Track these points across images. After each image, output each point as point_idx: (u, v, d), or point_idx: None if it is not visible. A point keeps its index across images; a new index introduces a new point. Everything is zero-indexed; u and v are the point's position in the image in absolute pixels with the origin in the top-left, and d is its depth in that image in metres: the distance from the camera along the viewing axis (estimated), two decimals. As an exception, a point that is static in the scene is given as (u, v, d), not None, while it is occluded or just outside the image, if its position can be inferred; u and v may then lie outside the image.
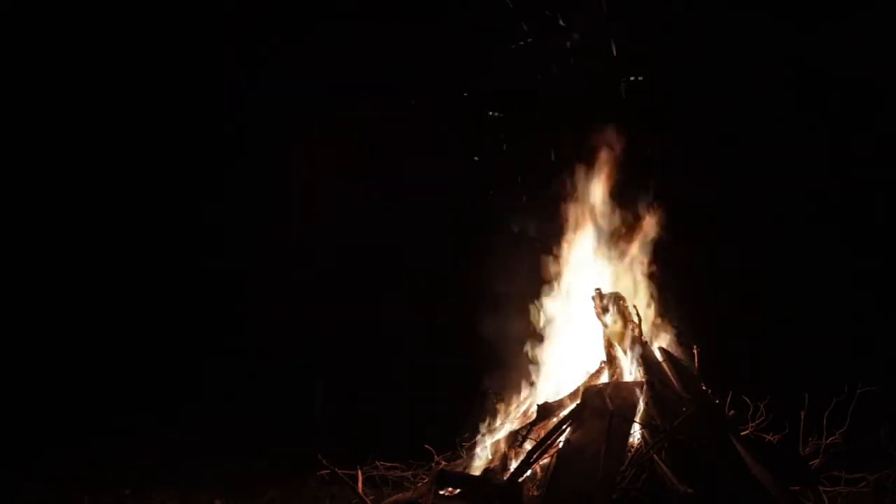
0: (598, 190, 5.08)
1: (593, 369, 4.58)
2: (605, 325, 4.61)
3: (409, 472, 4.71)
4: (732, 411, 4.63)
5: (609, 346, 4.57)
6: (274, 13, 8.38)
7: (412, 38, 7.83)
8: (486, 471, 4.33)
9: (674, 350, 4.65)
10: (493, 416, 4.87)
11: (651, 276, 4.97)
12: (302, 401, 8.31)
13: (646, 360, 4.37)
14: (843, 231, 7.65)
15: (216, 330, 8.44)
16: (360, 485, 4.11)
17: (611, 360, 4.53)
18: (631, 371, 4.44)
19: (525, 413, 4.74)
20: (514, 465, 4.12)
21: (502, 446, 4.46)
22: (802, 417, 4.43)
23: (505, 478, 4.02)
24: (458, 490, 3.92)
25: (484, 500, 3.79)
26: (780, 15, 7.44)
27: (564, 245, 5.13)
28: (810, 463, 4.33)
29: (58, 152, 8.54)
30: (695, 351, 4.69)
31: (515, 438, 4.38)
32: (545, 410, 4.39)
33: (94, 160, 8.57)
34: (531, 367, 4.99)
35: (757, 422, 4.57)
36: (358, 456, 4.59)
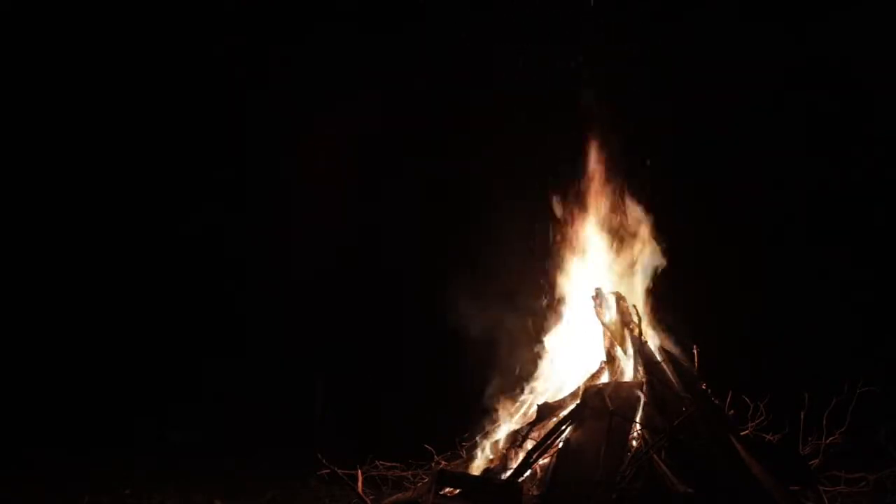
0: (598, 191, 5.08)
1: (593, 369, 4.58)
2: (605, 325, 4.61)
3: (409, 472, 4.71)
4: (732, 411, 4.63)
5: (609, 346, 4.57)
6: (275, 13, 8.37)
7: (412, 38, 7.83)
8: (486, 471, 4.34)
9: (674, 350, 4.65)
10: (494, 416, 4.87)
11: (651, 277, 4.97)
12: (302, 401, 8.30)
13: (646, 360, 4.37)
14: (843, 231, 7.65)
15: (215, 330, 8.43)
16: (360, 485, 4.11)
17: (611, 360, 4.53)
18: (631, 371, 4.44)
19: (525, 413, 4.74)
20: (514, 465, 4.12)
21: (502, 446, 4.46)
22: (802, 417, 4.43)
23: (505, 478, 4.02)
24: (458, 490, 3.92)
25: (484, 500, 3.79)
26: (779, 14, 7.44)
27: (564, 246, 5.13)
28: (810, 463, 4.33)
29: (55, 152, 8.53)
30: (695, 351, 4.70)
31: (515, 438, 4.38)
32: (545, 410, 4.39)
33: (91, 160, 8.55)
34: (532, 367, 4.99)
35: (757, 422, 4.58)
36: (358, 456, 4.59)
